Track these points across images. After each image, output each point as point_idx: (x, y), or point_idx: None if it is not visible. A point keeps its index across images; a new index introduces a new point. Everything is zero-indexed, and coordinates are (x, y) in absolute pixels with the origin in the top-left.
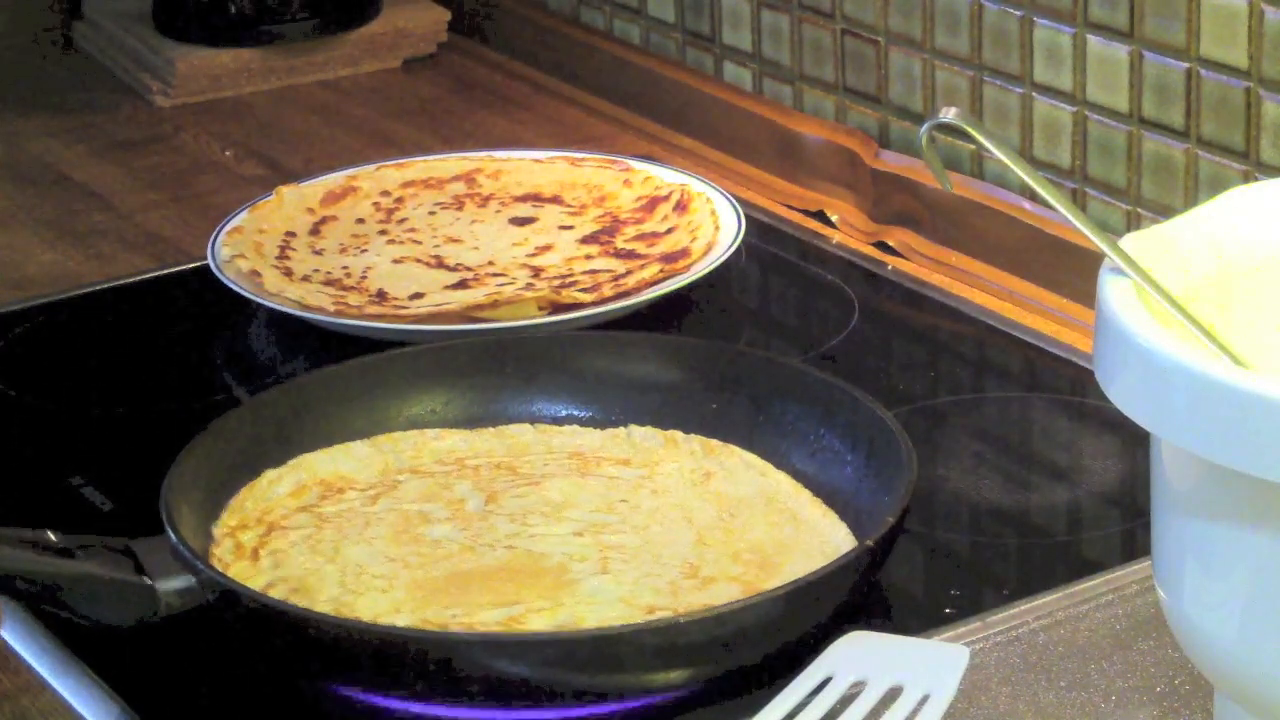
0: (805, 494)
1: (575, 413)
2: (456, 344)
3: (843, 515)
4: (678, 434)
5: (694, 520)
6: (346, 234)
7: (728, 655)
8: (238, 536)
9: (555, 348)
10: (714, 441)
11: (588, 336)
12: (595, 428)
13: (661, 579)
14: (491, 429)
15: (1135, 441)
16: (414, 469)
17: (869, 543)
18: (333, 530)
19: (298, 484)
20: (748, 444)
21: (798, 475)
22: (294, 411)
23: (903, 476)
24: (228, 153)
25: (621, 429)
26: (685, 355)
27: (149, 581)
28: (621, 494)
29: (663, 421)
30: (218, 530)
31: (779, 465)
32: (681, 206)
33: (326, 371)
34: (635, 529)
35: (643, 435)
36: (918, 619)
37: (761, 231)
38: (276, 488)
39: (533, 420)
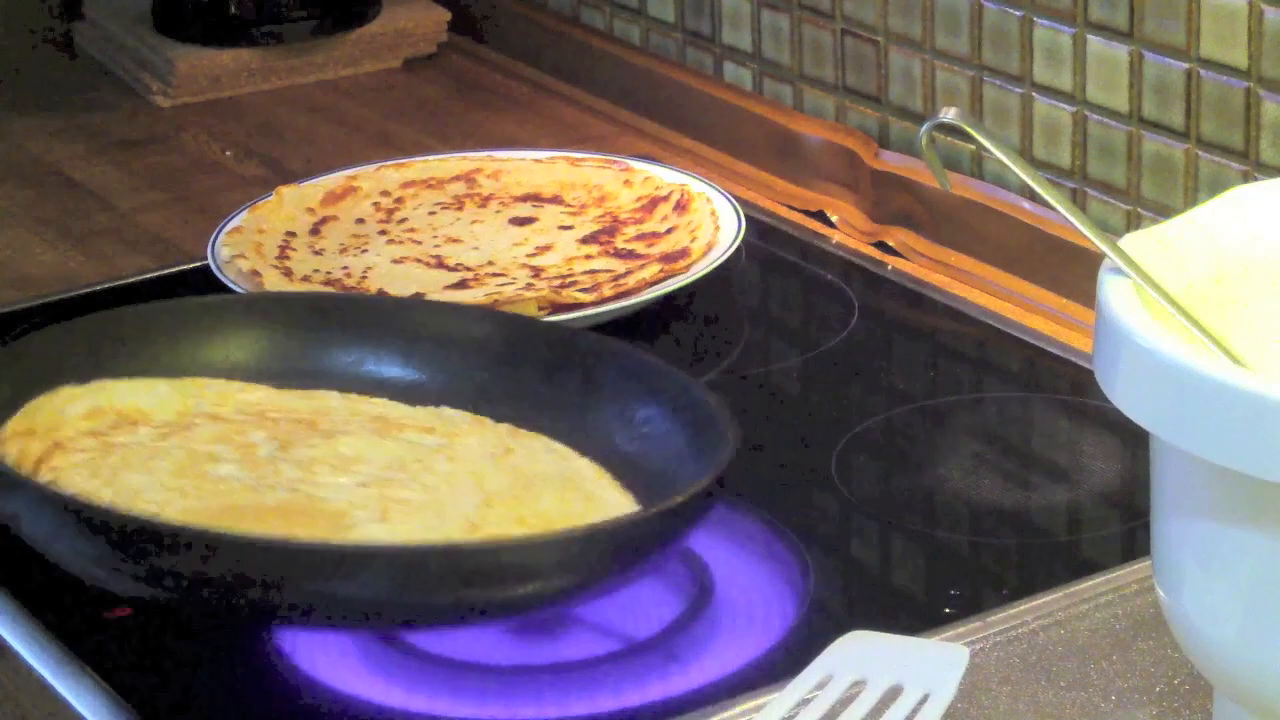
0: (606, 478)
1: (397, 375)
2: (285, 296)
3: (663, 497)
4: (487, 420)
5: (485, 486)
6: (346, 234)
7: (478, 591)
8: (23, 443)
9: (386, 311)
10: (522, 431)
11: (422, 302)
12: (407, 403)
13: (439, 533)
14: (300, 390)
15: (1135, 441)
16: (212, 415)
17: (664, 506)
18: (117, 458)
19: (93, 408)
20: (573, 424)
21: (620, 457)
22: (109, 338)
23: (720, 457)
24: (228, 153)
25: (432, 408)
26: (517, 331)
27: None
28: (417, 456)
29: (485, 396)
30: (4, 432)
31: (602, 447)
32: (681, 206)
33: (151, 305)
34: (423, 487)
35: (452, 415)
36: (918, 619)
37: (761, 231)
38: (71, 406)
39: (351, 379)
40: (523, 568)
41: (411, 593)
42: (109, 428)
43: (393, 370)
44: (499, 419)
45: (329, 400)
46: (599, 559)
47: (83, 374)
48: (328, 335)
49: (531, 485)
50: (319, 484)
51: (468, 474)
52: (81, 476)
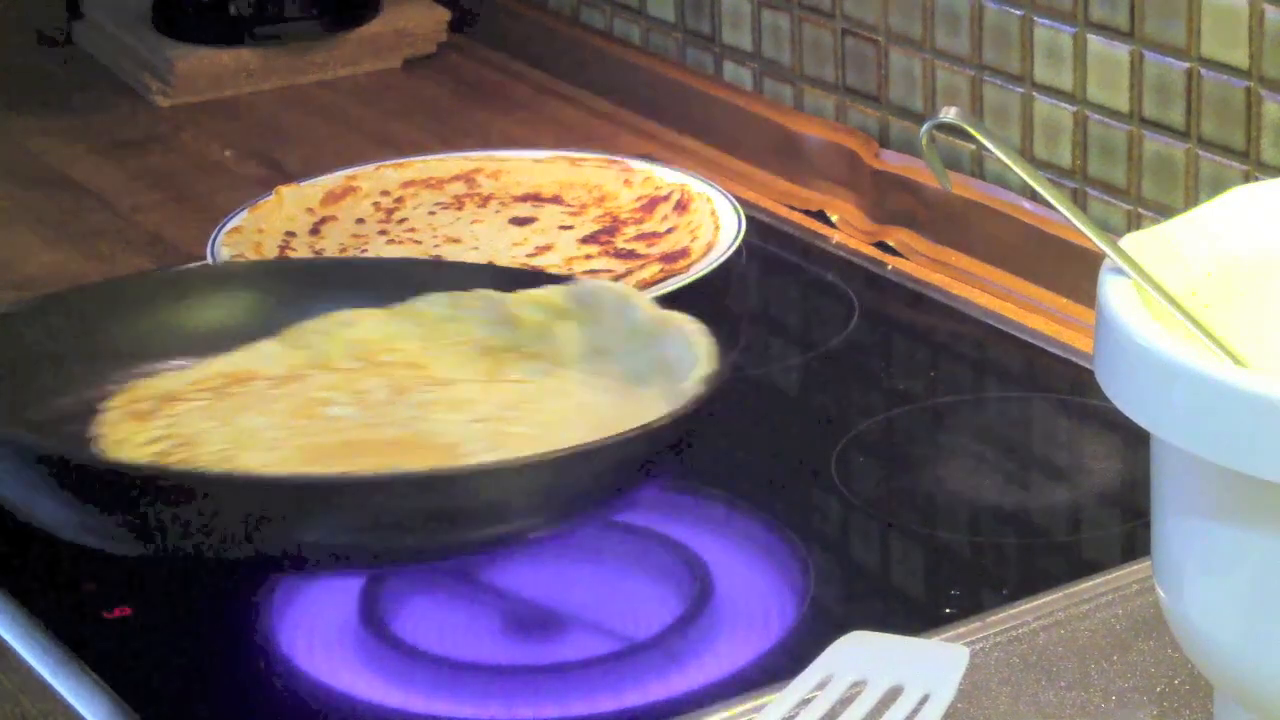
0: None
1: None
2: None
3: None
4: (557, 293)
5: (598, 418)
6: (346, 234)
7: (502, 516)
8: (127, 408)
9: (385, 271)
10: (590, 285)
11: (432, 262)
12: (503, 288)
13: None
14: (404, 305)
15: (1135, 441)
16: (325, 365)
17: (664, 419)
18: (234, 402)
19: (202, 376)
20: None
21: None
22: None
23: (702, 380)
24: (228, 153)
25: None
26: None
27: None
28: (529, 396)
29: None
30: (108, 402)
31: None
32: (681, 206)
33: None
34: (537, 424)
35: (537, 301)
36: (918, 619)
37: (761, 231)
38: (177, 379)
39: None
40: (502, 498)
41: (391, 528)
42: (222, 385)
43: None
44: None
45: (435, 308)
46: (584, 482)
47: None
48: (328, 296)
49: (638, 401)
50: (433, 420)
51: (579, 408)
52: (198, 418)
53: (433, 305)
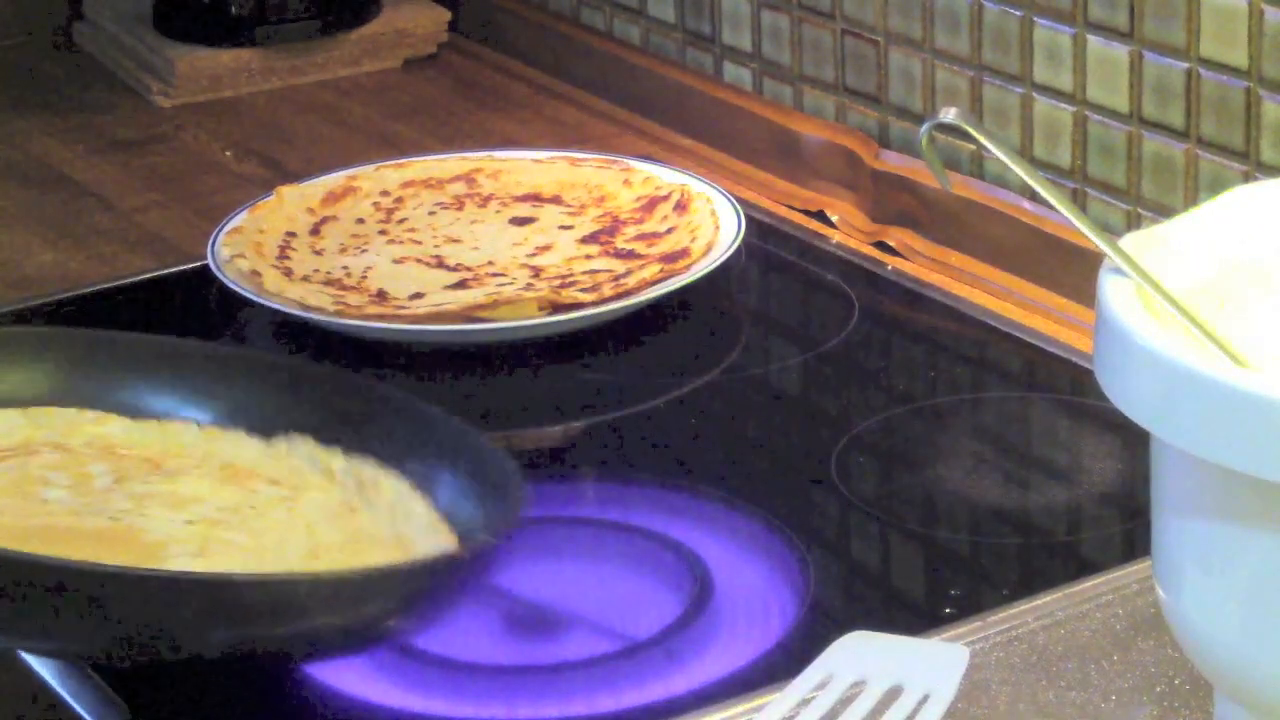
0: (445, 531)
1: (194, 417)
2: (68, 332)
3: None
4: (338, 458)
5: (316, 539)
6: (347, 234)
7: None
8: None
9: (182, 353)
10: (370, 472)
11: (215, 347)
12: (260, 436)
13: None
14: (155, 421)
15: (1135, 441)
16: (59, 444)
17: (449, 555)
18: None
19: None
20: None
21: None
22: None
23: (512, 511)
24: (228, 153)
25: (283, 440)
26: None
27: None
28: (254, 503)
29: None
30: None
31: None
32: (681, 206)
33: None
34: (252, 532)
35: (304, 454)
36: (918, 619)
37: (761, 231)
38: None
39: (134, 414)
40: (257, 606)
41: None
42: None
43: (190, 413)
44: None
45: (185, 435)
46: (354, 609)
47: None
48: (162, 375)
49: (364, 544)
50: (145, 516)
51: (302, 525)
52: None
53: (188, 429)
